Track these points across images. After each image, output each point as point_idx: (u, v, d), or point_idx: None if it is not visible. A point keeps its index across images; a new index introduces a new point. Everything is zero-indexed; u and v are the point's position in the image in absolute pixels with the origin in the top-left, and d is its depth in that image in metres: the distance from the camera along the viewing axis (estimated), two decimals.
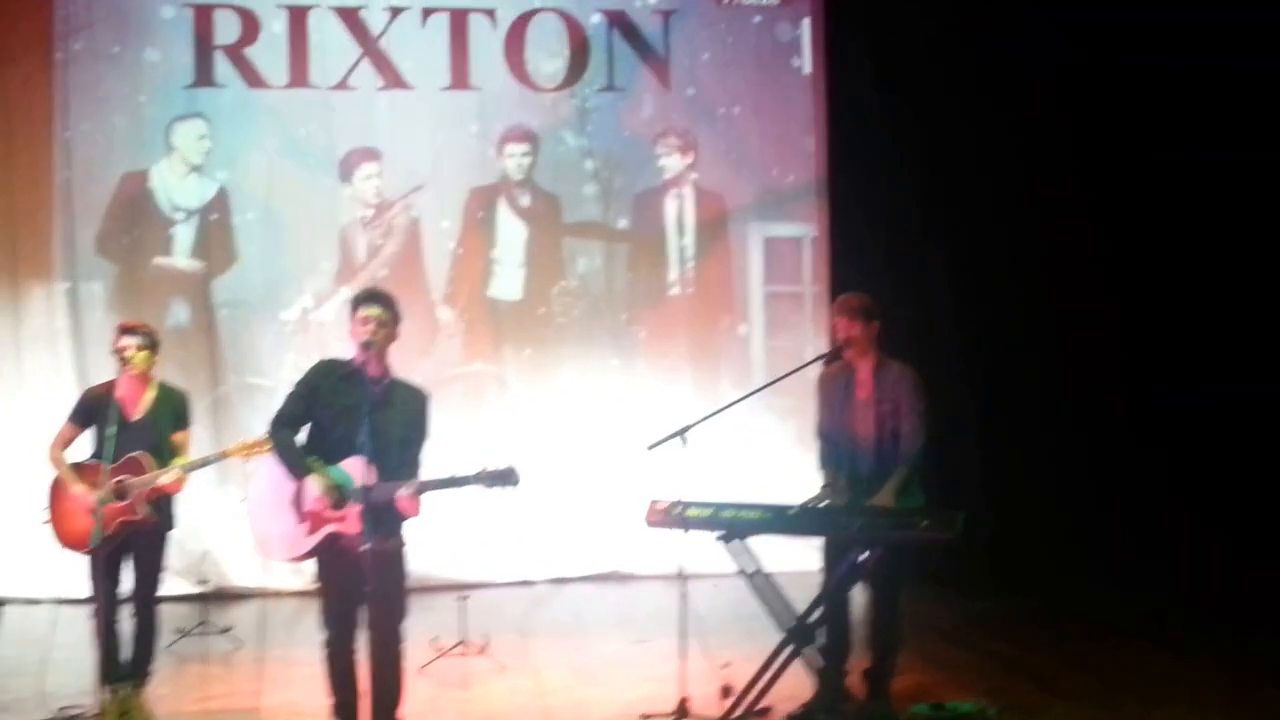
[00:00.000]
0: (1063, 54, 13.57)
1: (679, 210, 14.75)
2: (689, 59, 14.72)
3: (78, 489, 9.36)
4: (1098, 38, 13.40)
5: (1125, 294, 13.63)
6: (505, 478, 7.94)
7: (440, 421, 8.50)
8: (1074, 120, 13.64)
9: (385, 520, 8.03)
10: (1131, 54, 13.28)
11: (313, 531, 8.09)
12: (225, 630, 11.96)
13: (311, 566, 8.47)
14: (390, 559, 8.15)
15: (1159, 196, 13.50)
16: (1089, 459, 13.44)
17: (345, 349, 8.46)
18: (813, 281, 14.71)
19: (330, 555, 8.14)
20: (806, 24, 14.78)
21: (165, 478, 9.32)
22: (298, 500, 8.11)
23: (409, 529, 8.26)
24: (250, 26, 14.28)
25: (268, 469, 8.29)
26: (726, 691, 9.11)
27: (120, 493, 9.22)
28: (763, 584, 8.88)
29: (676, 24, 14.72)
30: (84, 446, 9.66)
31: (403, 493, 7.96)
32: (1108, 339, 13.64)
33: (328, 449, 8.13)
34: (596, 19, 14.67)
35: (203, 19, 14.25)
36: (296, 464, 8.14)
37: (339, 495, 8.01)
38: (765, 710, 8.94)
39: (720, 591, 10.55)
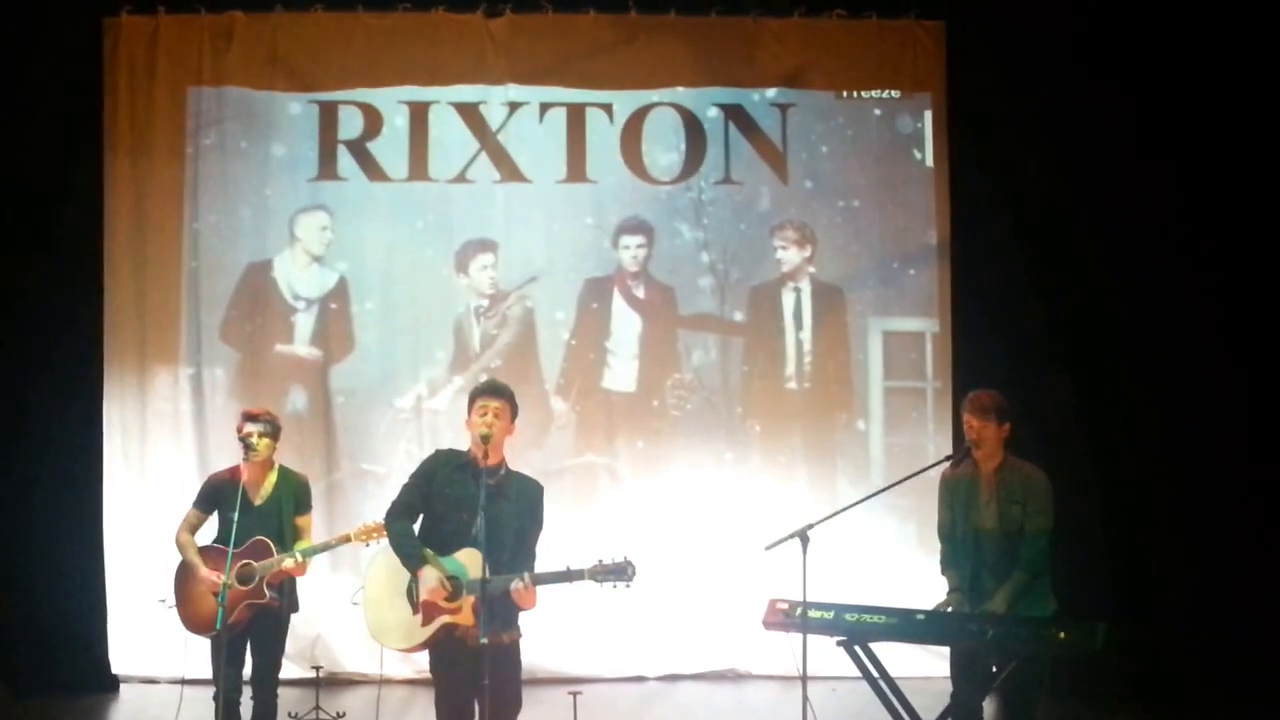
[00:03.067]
0: (1188, 137, 13.09)
1: (796, 303, 14.29)
2: (807, 152, 14.33)
3: (204, 573, 9.44)
4: (1216, 116, 13.01)
5: (1266, 390, 13.02)
6: (621, 572, 7.89)
7: (551, 513, 8.38)
8: (1200, 211, 13.09)
9: (500, 612, 7.95)
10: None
11: (427, 622, 8.00)
12: (338, 716, 11.71)
13: (423, 656, 8.37)
14: (506, 650, 8.11)
15: None
16: (1226, 564, 12.75)
17: (458, 438, 8.48)
18: (934, 377, 14.19)
19: (444, 647, 8.06)
20: (928, 116, 14.35)
21: (289, 562, 9.36)
22: (414, 588, 8.04)
23: (523, 621, 8.14)
24: (373, 121, 14.17)
25: (385, 557, 8.26)
26: None
27: (245, 577, 9.31)
28: (886, 690, 8.48)
29: (794, 117, 14.33)
30: (208, 531, 9.76)
31: (518, 585, 7.84)
32: (1247, 440, 12.95)
33: (442, 539, 8.07)
34: (714, 113, 14.33)
35: (328, 115, 14.18)
36: (412, 555, 8.02)
37: (455, 587, 7.93)
38: None
39: (840, 696, 10.04)
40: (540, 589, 7.98)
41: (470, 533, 7.83)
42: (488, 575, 7.70)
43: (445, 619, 7.92)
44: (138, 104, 13.98)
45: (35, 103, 13.21)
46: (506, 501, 8.08)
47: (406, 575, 8.02)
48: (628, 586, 7.91)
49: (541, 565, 8.10)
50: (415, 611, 7.99)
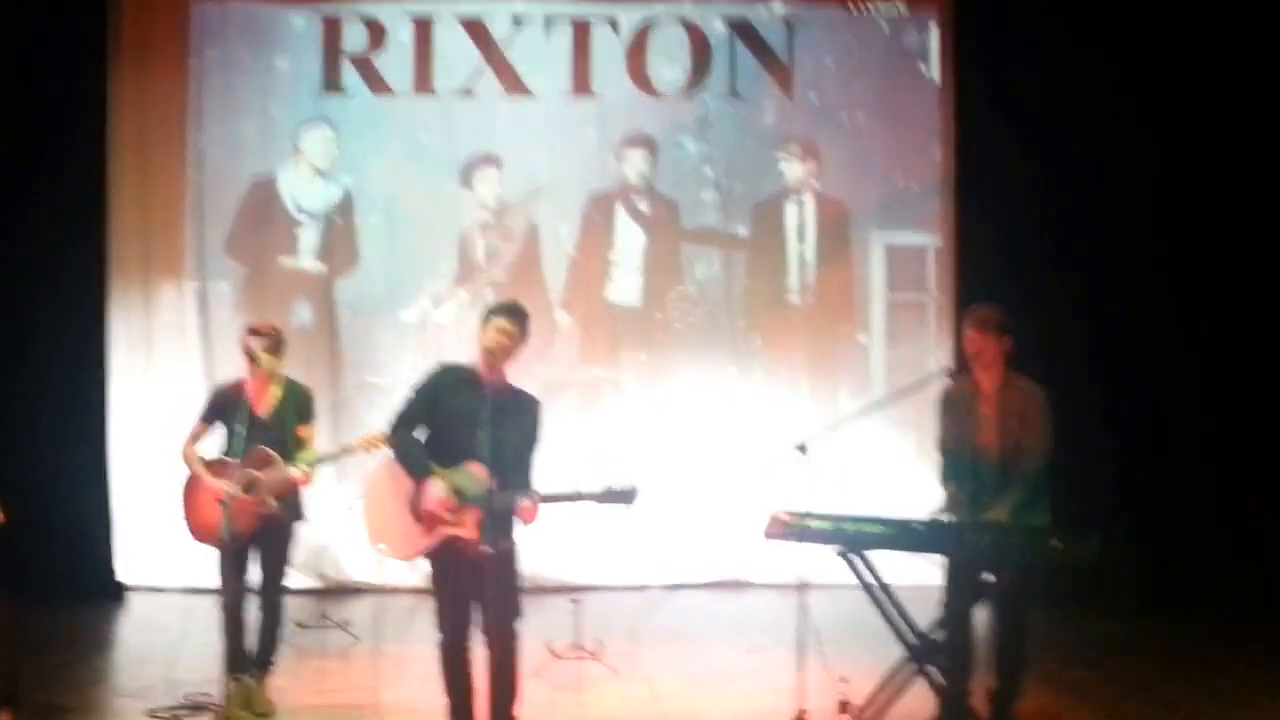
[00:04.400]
0: (1196, 57, 13.09)
1: (799, 217, 14.39)
2: (813, 66, 14.38)
3: (209, 484, 9.38)
4: (1233, 38, 12.99)
5: (1269, 307, 13.10)
6: (625, 497, 7.86)
7: (556, 426, 8.47)
8: (1208, 125, 13.09)
9: (500, 525, 7.93)
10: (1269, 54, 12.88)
11: (429, 532, 7.97)
12: (343, 625, 11.95)
13: (426, 565, 8.37)
14: (504, 560, 8.07)
15: None
16: (1223, 478, 12.91)
17: (463, 351, 8.45)
18: (937, 292, 14.31)
19: (445, 557, 8.05)
20: (934, 32, 14.39)
21: (293, 472, 9.34)
22: (415, 500, 7.99)
23: (524, 530, 8.17)
24: (377, 35, 14.25)
25: (386, 466, 8.21)
26: (844, 707, 8.79)
27: (249, 487, 9.26)
28: (884, 598, 8.54)
29: (801, 32, 14.38)
30: (215, 444, 9.72)
31: (525, 503, 7.88)
32: (1248, 355, 13.09)
33: (444, 452, 8.02)
34: (719, 27, 14.37)
35: (331, 29, 14.27)
36: (417, 465, 8.02)
37: (460, 499, 7.87)
38: None
39: (839, 604, 10.01)
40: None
41: (473, 447, 7.83)
42: (494, 489, 7.77)
43: (448, 530, 7.93)
44: (141, 19, 14.06)
45: (39, 18, 13.23)
46: (507, 417, 8.08)
47: (407, 484, 8.02)
48: (628, 510, 7.93)
49: (546, 478, 8.14)
50: (417, 521, 8.01)
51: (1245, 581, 12.33)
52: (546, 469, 8.23)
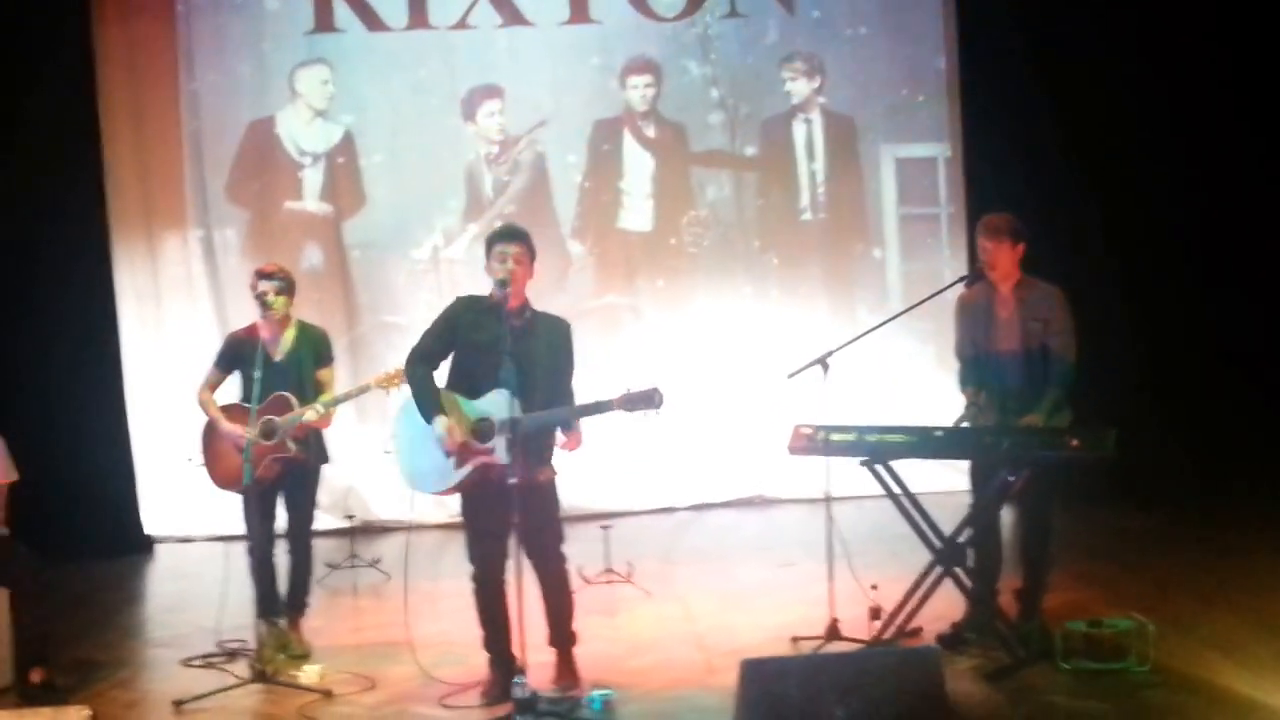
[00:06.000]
0: None
1: (808, 135, 14.67)
2: None
3: (228, 431, 9.60)
4: None
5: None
6: (649, 400, 8.04)
7: (577, 354, 8.61)
8: (1217, 21, 13.21)
9: (535, 451, 8.20)
10: None
11: (461, 464, 8.18)
12: (374, 563, 12.23)
13: (455, 500, 8.65)
14: (543, 489, 8.33)
15: None
16: (1244, 371, 13.10)
17: (478, 285, 8.62)
18: (948, 202, 14.57)
19: (476, 490, 8.26)
20: None
21: (311, 414, 9.52)
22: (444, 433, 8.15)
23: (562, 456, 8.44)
24: None
25: (414, 404, 8.38)
26: (876, 613, 9.10)
27: (268, 431, 9.45)
28: (908, 506, 8.91)
29: None
30: (230, 390, 9.93)
31: (553, 424, 8.24)
32: (1262, 250, 13.23)
33: (473, 383, 8.24)
34: None
35: None
36: (427, 402, 8.27)
37: (485, 427, 8.10)
38: (915, 631, 8.98)
39: (865, 514, 10.54)
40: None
41: (498, 375, 7.96)
42: (518, 414, 7.89)
43: (479, 460, 8.14)
44: None
45: None
46: (535, 340, 8.29)
47: (438, 420, 8.14)
48: (656, 413, 8.06)
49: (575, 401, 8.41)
50: (448, 455, 8.15)
51: (1267, 472, 12.51)
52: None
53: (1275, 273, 13.20)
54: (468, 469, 8.19)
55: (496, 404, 8.09)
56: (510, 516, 7.92)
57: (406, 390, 8.54)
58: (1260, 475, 12.55)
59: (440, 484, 8.36)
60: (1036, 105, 13.53)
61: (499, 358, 8.00)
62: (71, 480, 13.14)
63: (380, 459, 13.15)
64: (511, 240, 8.39)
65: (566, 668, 8.64)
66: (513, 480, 7.86)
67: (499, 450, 8.09)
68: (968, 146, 14.31)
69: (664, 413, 8.13)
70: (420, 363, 8.42)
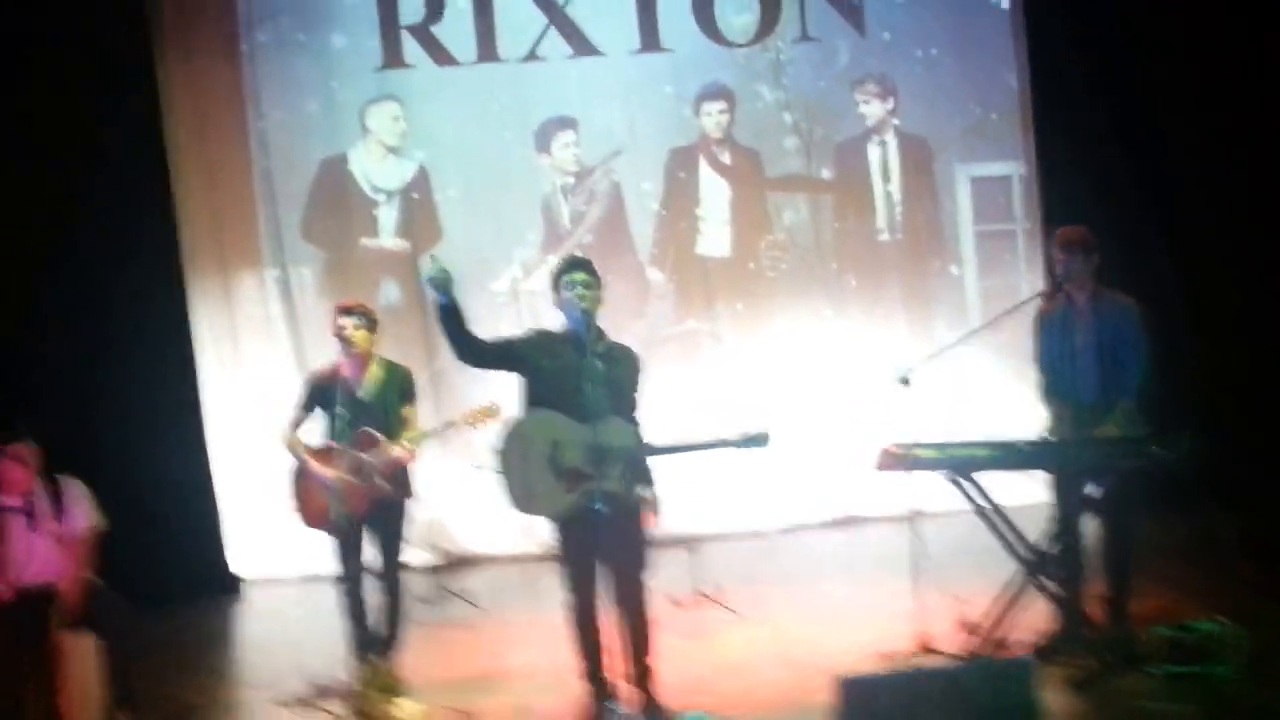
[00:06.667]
0: None
1: (883, 156, 14.84)
2: (883, 3, 14.73)
3: (317, 471, 9.79)
4: None
5: None
6: (759, 441, 8.38)
7: (659, 380, 8.92)
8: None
9: (640, 473, 8.55)
10: None
11: (573, 489, 8.38)
12: (464, 598, 12.43)
13: (543, 530, 8.94)
14: (635, 515, 8.59)
15: None
16: None
17: (556, 317, 8.87)
18: (1024, 219, 14.72)
19: (578, 516, 8.38)
20: None
21: (398, 451, 9.68)
22: (555, 458, 8.38)
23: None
24: (435, 4, 14.59)
25: (517, 427, 8.53)
26: (965, 626, 9.37)
27: (356, 470, 9.64)
28: (995, 518, 9.16)
29: None
30: (315, 429, 10.09)
31: (666, 453, 8.54)
32: None
33: (563, 407, 8.43)
34: None
35: (386, 1, 14.62)
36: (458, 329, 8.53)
37: (603, 454, 8.32)
38: (1006, 643, 9.16)
39: (951, 530, 10.56)
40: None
41: (583, 402, 8.24)
42: (640, 443, 8.43)
43: (591, 485, 8.27)
44: (184, 5, 14.44)
45: (76, 17, 13.43)
46: (618, 366, 8.60)
47: (547, 443, 8.31)
48: (763, 452, 8.46)
49: (670, 430, 8.76)
50: (559, 478, 8.33)
51: None
52: (659, 423, 8.80)
53: None
54: (584, 494, 8.35)
55: (615, 432, 8.38)
56: (608, 543, 8.29)
57: (504, 419, 8.76)
58: None
59: (550, 508, 8.53)
60: (1107, 120, 13.61)
61: (578, 385, 8.32)
62: (156, 525, 13.18)
63: (465, 491, 13.66)
64: (586, 270, 8.74)
65: (651, 703, 8.73)
66: (598, 507, 8.13)
67: (614, 479, 8.38)
68: (1041, 163, 14.41)
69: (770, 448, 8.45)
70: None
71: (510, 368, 8.75)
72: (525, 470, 8.45)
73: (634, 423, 8.64)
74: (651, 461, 8.66)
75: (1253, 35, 13.33)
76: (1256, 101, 13.40)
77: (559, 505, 8.46)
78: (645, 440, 8.60)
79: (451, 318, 8.50)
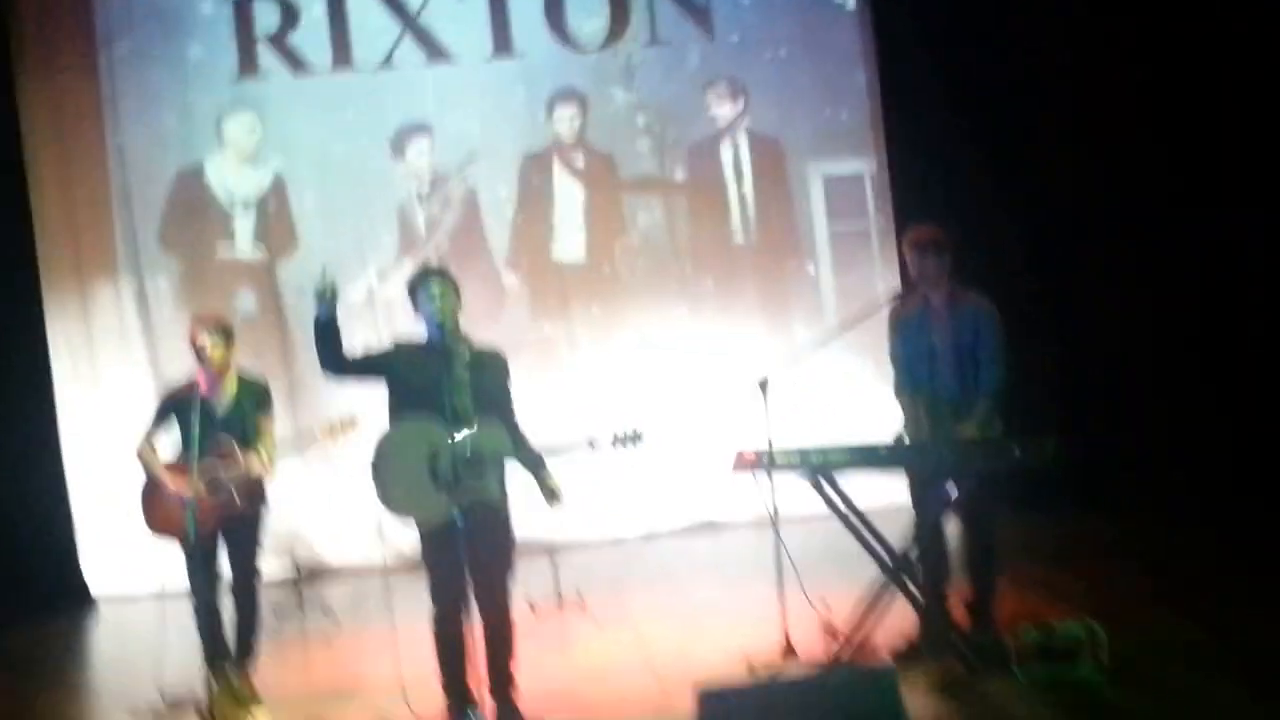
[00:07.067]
0: None
1: (735, 157, 14.68)
2: (731, 5, 14.58)
3: (171, 486, 9.53)
4: None
5: (1200, 210, 13.11)
6: (635, 439, 8.31)
7: (515, 386, 8.62)
8: (1137, 35, 13.23)
9: (501, 477, 8.34)
10: None
11: (455, 495, 8.11)
12: (322, 610, 12.20)
13: (404, 540, 8.83)
14: (503, 522, 8.43)
15: (1232, 113, 13.03)
16: (1165, 381, 13.11)
17: (413, 323, 8.63)
18: (877, 217, 14.58)
19: (452, 523, 8.10)
20: None
21: (254, 465, 9.49)
22: (435, 466, 8.14)
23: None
24: (289, 14, 14.40)
25: (393, 435, 8.32)
26: (829, 631, 9.16)
27: (212, 486, 9.39)
28: (855, 522, 8.94)
29: None
30: (170, 443, 9.80)
31: (536, 459, 8.40)
32: (1184, 260, 13.21)
33: (430, 417, 8.18)
34: None
35: (242, 11, 14.41)
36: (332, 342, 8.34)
37: (479, 461, 8.13)
38: (869, 648, 8.98)
39: (813, 533, 10.21)
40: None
41: (454, 408, 8.07)
42: (510, 448, 8.23)
43: (472, 496, 8.08)
44: (43, 17, 14.17)
45: None
46: (484, 371, 8.37)
47: (424, 451, 8.10)
48: (639, 452, 8.34)
49: (543, 432, 8.52)
50: (439, 488, 8.09)
51: (1200, 479, 12.41)
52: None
53: (1198, 276, 13.21)
54: (464, 501, 8.12)
55: (489, 437, 8.18)
56: (476, 549, 8.07)
57: (375, 429, 8.49)
58: (1200, 474, 12.48)
59: (433, 513, 8.21)
60: (957, 116, 13.52)
61: (448, 394, 8.13)
62: (9, 540, 13.08)
63: (324, 503, 13.61)
64: (445, 279, 8.52)
65: (506, 713, 8.53)
66: (456, 515, 7.96)
67: (492, 486, 8.23)
68: (893, 161, 14.35)
69: (605, 446, 8.31)
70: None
71: (374, 380, 8.50)
72: (403, 477, 8.24)
73: (511, 426, 8.44)
74: (529, 462, 8.47)
75: (1101, 30, 13.29)
76: (1106, 96, 13.35)
77: (439, 512, 8.16)
78: (526, 440, 8.46)
79: (328, 330, 8.33)
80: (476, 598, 8.33)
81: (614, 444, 8.28)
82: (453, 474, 8.10)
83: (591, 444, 8.29)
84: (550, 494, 8.55)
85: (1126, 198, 13.29)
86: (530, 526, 8.85)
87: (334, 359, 8.35)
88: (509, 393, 8.54)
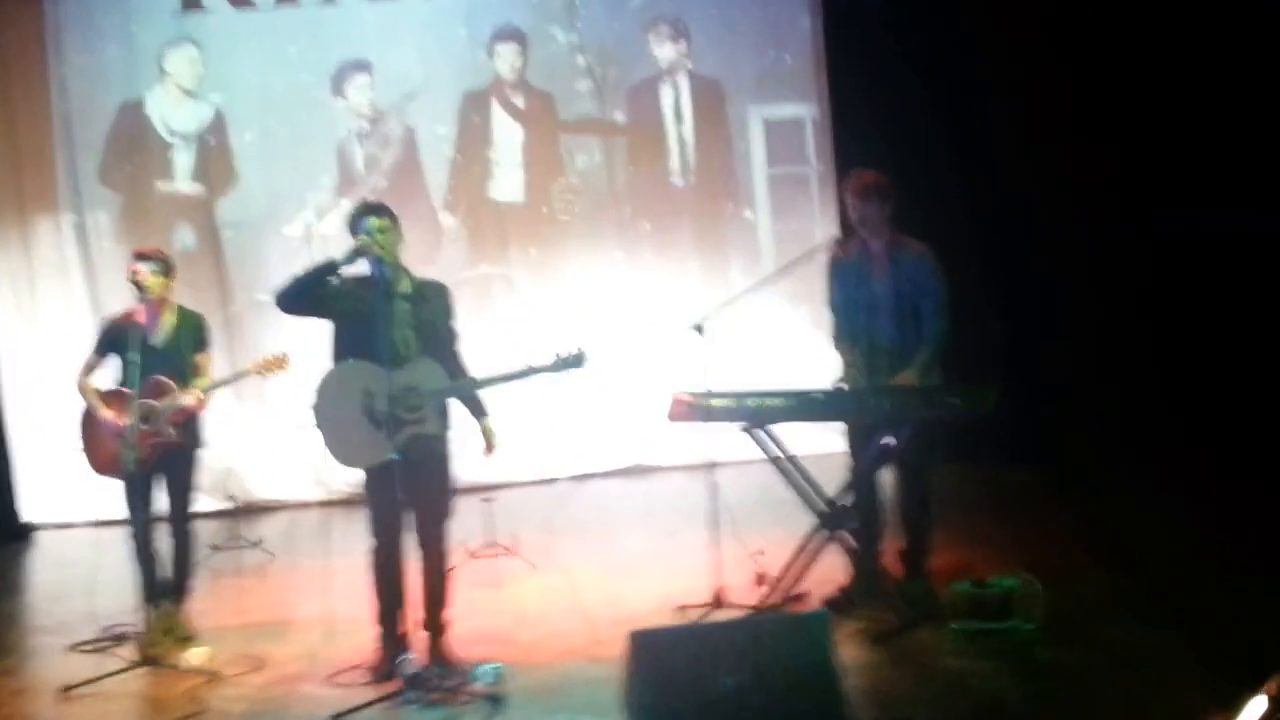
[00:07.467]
0: None
1: (675, 99, 14.43)
2: None
3: (106, 416, 9.39)
4: None
5: (1138, 162, 12.74)
6: (578, 361, 8.13)
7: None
8: None
9: (445, 413, 8.28)
10: None
11: (394, 434, 7.98)
12: (256, 544, 12.04)
13: (337, 477, 8.57)
14: (443, 460, 8.37)
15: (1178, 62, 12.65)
16: (1104, 330, 12.83)
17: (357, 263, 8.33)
18: (817, 162, 14.33)
19: (390, 461, 7.98)
20: None
21: (189, 399, 9.30)
22: (369, 406, 8.03)
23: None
24: None
25: (331, 381, 8.22)
26: (761, 579, 8.99)
27: (147, 417, 9.17)
28: (791, 469, 8.75)
29: None
30: (108, 374, 9.65)
31: (472, 391, 8.34)
32: (1127, 209, 12.83)
33: (374, 357, 8.02)
34: None
35: None
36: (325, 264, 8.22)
37: (415, 397, 8.02)
38: (801, 596, 8.84)
39: (747, 479, 10.28)
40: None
41: (393, 346, 7.98)
42: (447, 382, 8.11)
43: (412, 430, 8.00)
44: None
45: None
46: (428, 305, 8.27)
47: (359, 392, 8.02)
48: (580, 373, 8.17)
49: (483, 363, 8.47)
50: (378, 427, 8.01)
51: (1138, 432, 12.23)
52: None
53: (1142, 225, 12.83)
54: (403, 439, 7.99)
55: (425, 372, 8.09)
56: (410, 484, 7.97)
57: (304, 371, 8.48)
58: (1139, 428, 12.29)
59: (373, 457, 8.11)
60: (901, 63, 13.19)
61: (390, 327, 8.05)
62: None
63: (258, 440, 13.55)
64: (385, 214, 8.34)
65: (440, 652, 8.39)
66: (394, 456, 7.83)
67: (429, 420, 8.10)
68: (835, 106, 13.99)
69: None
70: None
71: (320, 315, 8.32)
72: (342, 422, 8.15)
73: (453, 358, 8.41)
74: (481, 395, 8.45)
75: None
76: (1054, 40, 13.02)
77: (380, 454, 8.03)
78: (469, 373, 8.41)
79: (323, 278, 8.20)
80: (416, 533, 8.28)
81: (555, 365, 8.11)
82: (389, 411, 7.96)
83: (531, 368, 8.15)
84: (488, 441, 8.49)
85: (1068, 147, 12.99)
86: (464, 466, 8.60)
87: (301, 301, 8.21)
88: (452, 323, 8.44)
